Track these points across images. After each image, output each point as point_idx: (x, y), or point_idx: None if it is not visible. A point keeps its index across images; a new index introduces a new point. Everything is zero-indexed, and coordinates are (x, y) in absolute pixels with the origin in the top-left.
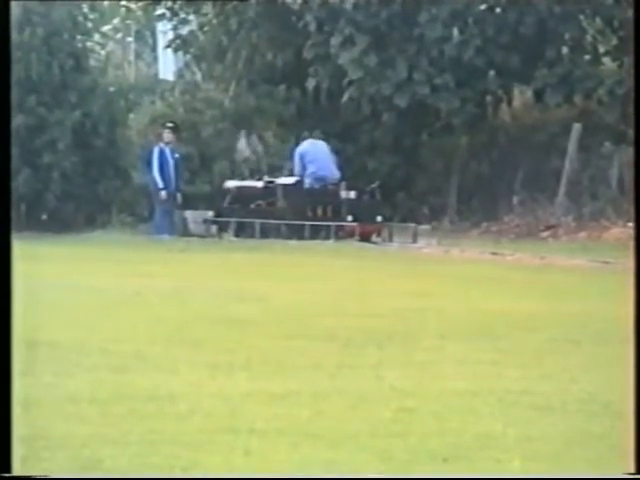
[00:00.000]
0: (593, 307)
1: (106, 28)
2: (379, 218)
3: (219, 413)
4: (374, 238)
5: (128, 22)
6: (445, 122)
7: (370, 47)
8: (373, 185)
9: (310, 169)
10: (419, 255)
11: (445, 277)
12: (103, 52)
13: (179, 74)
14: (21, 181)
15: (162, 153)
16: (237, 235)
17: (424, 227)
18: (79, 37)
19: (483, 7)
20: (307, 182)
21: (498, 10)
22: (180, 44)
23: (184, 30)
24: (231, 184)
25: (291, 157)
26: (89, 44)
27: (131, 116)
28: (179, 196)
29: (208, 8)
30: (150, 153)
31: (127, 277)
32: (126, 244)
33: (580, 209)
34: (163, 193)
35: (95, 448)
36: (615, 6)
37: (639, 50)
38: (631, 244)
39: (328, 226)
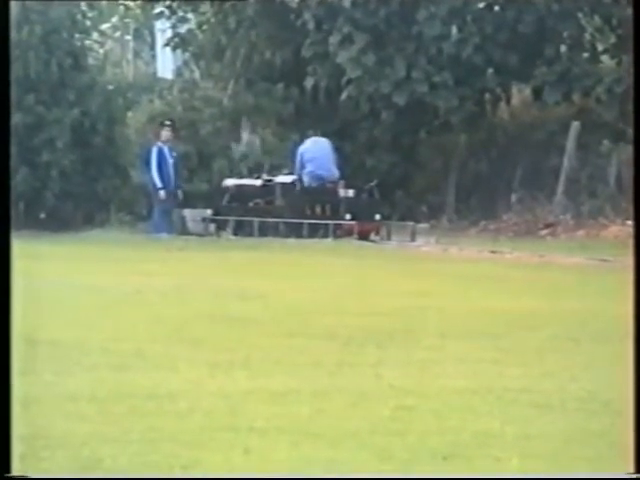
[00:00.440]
0: (592, 305)
1: (105, 26)
2: (377, 216)
3: (219, 411)
4: (372, 236)
5: (127, 20)
6: (444, 120)
7: (368, 45)
8: (371, 183)
9: (308, 168)
10: (418, 253)
11: (444, 275)
12: (101, 50)
13: (178, 72)
14: (19, 179)
15: (160, 152)
16: (235, 234)
17: (422, 225)
18: (77, 35)
19: (482, 5)
20: (305, 181)
21: (497, 8)
22: (179, 42)
23: (183, 28)
24: (230, 182)
25: (293, 155)
26: (87, 42)
27: (130, 114)
28: (180, 194)
29: (206, 7)
30: (148, 152)
31: (126, 276)
32: (125, 243)
33: (579, 207)
34: (162, 192)
35: (95, 446)
36: (614, 4)
37: (638, 48)
38: (630, 242)
39: (326, 224)
